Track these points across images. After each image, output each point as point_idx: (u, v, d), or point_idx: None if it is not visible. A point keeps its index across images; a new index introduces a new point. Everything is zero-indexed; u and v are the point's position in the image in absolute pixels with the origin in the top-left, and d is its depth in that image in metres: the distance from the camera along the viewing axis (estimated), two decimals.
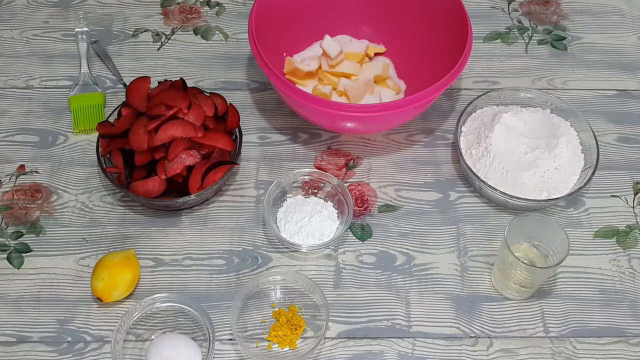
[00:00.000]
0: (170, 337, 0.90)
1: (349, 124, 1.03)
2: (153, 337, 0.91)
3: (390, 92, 1.14)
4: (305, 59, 1.16)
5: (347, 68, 1.13)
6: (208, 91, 1.05)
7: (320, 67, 1.14)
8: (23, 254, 0.98)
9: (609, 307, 0.96)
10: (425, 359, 0.91)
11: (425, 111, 1.10)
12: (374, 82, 1.13)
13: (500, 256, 0.92)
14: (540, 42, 1.23)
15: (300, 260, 0.99)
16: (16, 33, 1.22)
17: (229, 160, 1.00)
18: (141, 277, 0.96)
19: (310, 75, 1.14)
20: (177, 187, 0.99)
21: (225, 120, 1.04)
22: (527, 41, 1.23)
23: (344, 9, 1.17)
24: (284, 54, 1.16)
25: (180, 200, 0.98)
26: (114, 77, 1.16)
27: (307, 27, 1.16)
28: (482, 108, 1.09)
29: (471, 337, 0.93)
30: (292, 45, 1.17)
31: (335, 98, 1.12)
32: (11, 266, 0.98)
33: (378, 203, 1.04)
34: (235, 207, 1.03)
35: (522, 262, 0.88)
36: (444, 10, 1.08)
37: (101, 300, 0.92)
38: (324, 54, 1.14)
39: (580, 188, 1.00)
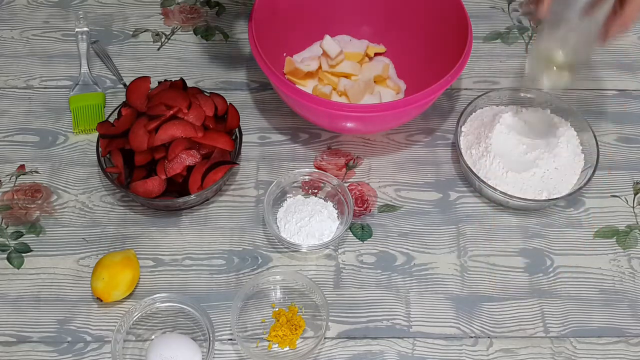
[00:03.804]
0: (170, 337, 0.90)
1: (349, 124, 1.03)
2: (153, 337, 0.91)
3: (390, 92, 1.14)
4: (305, 59, 1.16)
5: (347, 68, 1.13)
6: (208, 91, 1.05)
7: (320, 67, 1.14)
8: (23, 254, 0.98)
9: (609, 307, 0.96)
10: (425, 359, 0.91)
11: (425, 111, 1.10)
12: (374, 82, 1.13)
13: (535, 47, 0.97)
14: None
15: (300, 260, 0.99)
16: (16, 33, 1.22)
17: (229, 160, 1.00)
18: (141, 277, 0.96)
19: (310, 75, 1.14)
20: (177, 187, 0.99)
21: (225, 120, 1.04)
22: (527, 41, 1.23)
23: (344, 9, 1.16)
24: (284, 54, 1.16)
25: (180, 200, 0.98)
26: (114, 77, 1.16)
27: (307, 27, 1.16)
28: (482, 108, 1.09)
29: (471, 337, 0.93)
30: (292, 45, 1.17)
31: (335, 98, 1.12)
32: (11, 266, 0.97)
33: (378, 203, 1.04)
34: (235, 207, 1.03)
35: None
36: (444, 10, 1.07)
37: (101, 300, 0.92)
38: (324, 54, 1.14)
39: (580, 188, 1.00)
